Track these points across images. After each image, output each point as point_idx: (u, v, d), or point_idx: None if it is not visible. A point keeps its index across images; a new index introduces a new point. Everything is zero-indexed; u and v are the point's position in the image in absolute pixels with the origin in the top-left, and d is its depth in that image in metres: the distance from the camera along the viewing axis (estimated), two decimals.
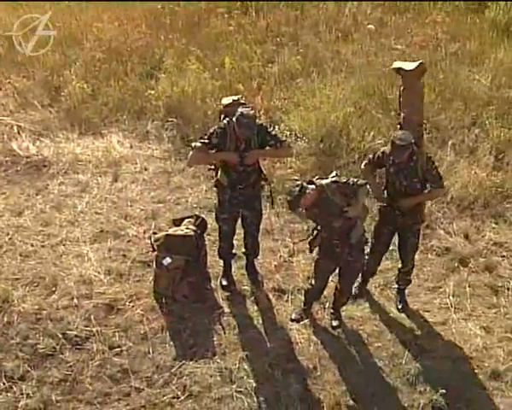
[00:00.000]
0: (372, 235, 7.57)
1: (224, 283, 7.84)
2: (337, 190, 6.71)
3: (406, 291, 7.79)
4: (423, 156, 7.07)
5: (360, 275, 7.75)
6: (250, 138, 7.16)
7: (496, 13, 13.16)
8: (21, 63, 12.34)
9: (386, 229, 7.43)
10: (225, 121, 7.24)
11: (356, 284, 7.72)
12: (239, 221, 7.71)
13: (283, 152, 7.64)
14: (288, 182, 9.18)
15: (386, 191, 7.35)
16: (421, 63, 7.30)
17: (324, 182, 6.74)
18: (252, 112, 7.18)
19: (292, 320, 7.43)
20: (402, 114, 7.31)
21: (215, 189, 7.63)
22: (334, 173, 6.89)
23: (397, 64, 7.48)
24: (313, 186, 6.64)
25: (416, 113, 7.27)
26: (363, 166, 7.45)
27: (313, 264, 7.25)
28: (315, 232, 7.00)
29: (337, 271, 7.21)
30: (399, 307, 7.67)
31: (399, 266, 7.66)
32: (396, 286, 7.79)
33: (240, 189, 7.36)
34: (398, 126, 7.35)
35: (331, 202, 6.69)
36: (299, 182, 6.70)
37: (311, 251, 7.14)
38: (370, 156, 7.38)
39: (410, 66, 7.29)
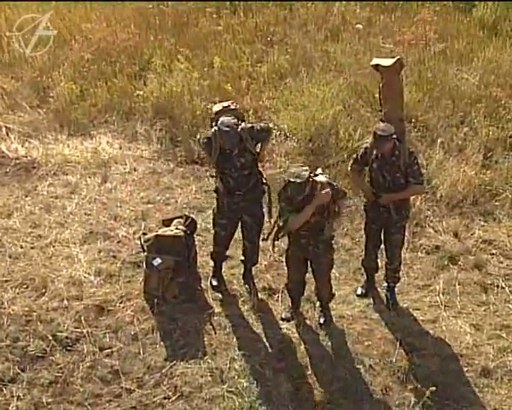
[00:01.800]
0: (364, 233, 7.67)
1: (215, 283, 7.83)
2: None
3: (396, 289, 7.81)
4: (405, 151, 7.13)
5: (365, 275, 7.88)
6: (235, 145, 7.12)
7: (483, 12, 13.23)
8: (10, 64, 12.29)
9: (375, 225, 7.49)
10: (212, 130, 7.19)
11: (362, 284, 7.91)
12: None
13: (269, 136, 7.58)
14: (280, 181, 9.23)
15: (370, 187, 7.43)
16: (398, 59, 7.34)
17: (319, 179, 6.73)
18: (233, 121, 7.07)
19: (282, 320, 7.44)
20: (383, 110, 7.35)
21: (215, 194, 7.59)
22: (319, 170, 6.90)
23: (375, 61, 7.52)
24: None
25: (396, 108, 7.32)
26: (349, 168, 7.53)
27: (284, 256, 7.32)
28: (278, 225, 6.96)
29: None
30: (389, 304, 7.70)
31: (386, 261, 7.69)
32: (385, 284, 7.82)
33: (239, 195, 7.32)
34: (380, 122, 7.39)
35: None
36: (305, 167, 6.64)
37: (278, 239, 7.12)
38: (354, 156, 7.45)
39: (387, 62, 7.33)
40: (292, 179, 6.52)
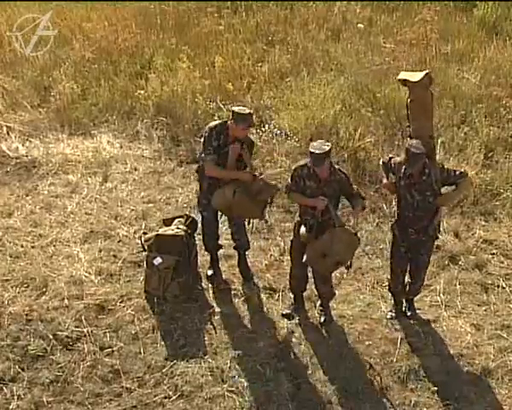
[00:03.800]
0: (390, 256, 7.46)
1: (209, 272, 7.87)
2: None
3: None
4: (437, 169, 6.91)
5: (391, 295, 7.66)
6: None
7: (484, 12, 13.24)
8: (11, 63, 12.29)
9: (403, 247, 7.23)
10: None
11: (390, 308, 7.66)
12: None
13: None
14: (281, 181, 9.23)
15: (397, 206, 7.23)
16: (427, 73, 7.01)
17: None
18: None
19: (282, 315, 7.45)
20: (412, 127, 7.07)
21: (196, 174, 7.65)
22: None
23: (403, 75, 7.19)
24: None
25: (426, 124, 7.00)
26: (381, 163, 7.25)
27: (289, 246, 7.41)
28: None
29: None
30: (408, 314, 7.55)
31: (409, 280, 7.46)
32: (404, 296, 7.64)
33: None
34: (409, 139, 7.12)
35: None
36: (328, 143, 6.79)
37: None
38: (387, 157, 7.22)
39: (416, 76, 6.99)
40: (311, 150, 6.68)
